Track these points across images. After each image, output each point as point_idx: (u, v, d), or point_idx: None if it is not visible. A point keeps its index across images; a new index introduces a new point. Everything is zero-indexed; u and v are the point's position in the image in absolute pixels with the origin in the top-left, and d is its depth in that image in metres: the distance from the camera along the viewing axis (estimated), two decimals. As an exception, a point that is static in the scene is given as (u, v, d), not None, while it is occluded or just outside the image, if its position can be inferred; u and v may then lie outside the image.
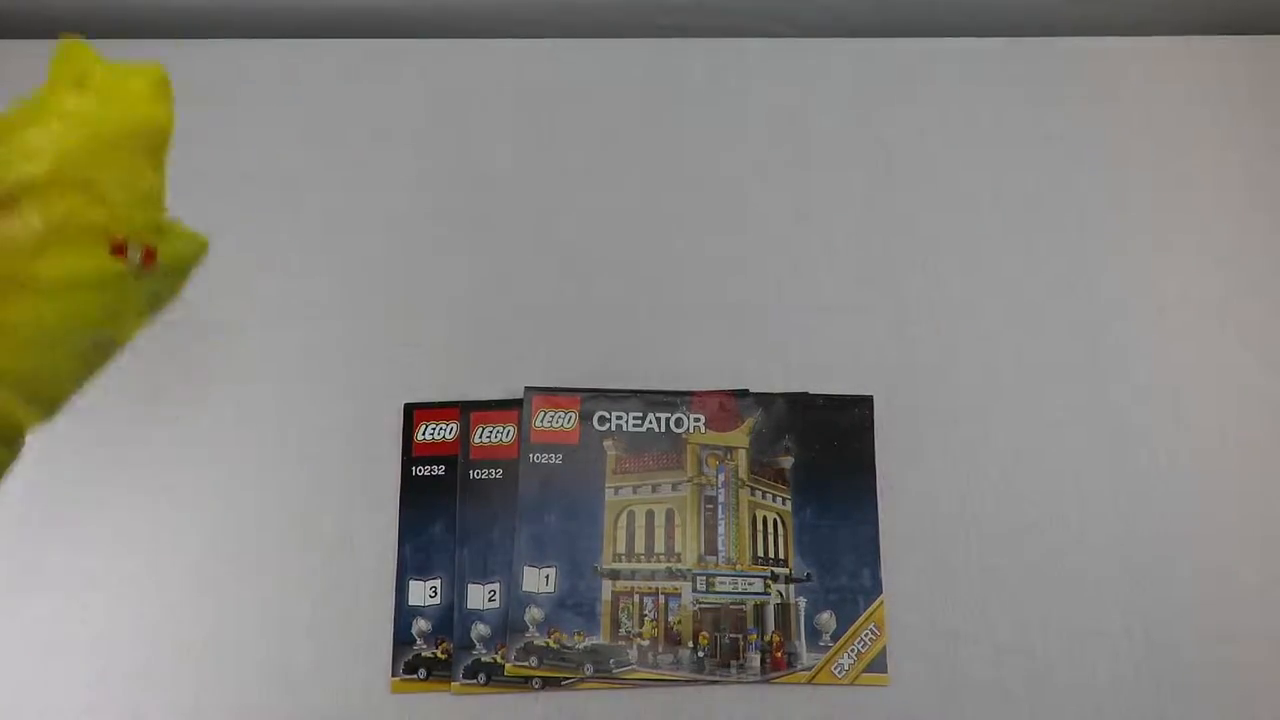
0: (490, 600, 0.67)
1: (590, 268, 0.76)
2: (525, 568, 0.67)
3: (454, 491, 0.69)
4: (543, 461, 0.69)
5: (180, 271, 0.53)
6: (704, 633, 0.66)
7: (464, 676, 0.65)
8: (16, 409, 0.41)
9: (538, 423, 0.70)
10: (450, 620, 0.66)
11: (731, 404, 0.71)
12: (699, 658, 0.66)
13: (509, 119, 0.80)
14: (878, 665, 0.65)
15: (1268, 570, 0.68)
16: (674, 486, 0.69)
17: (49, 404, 0.43)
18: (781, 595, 0.67)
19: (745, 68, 0.82)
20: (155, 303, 0.51)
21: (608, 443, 0.70)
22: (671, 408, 0.71)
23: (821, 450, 0.70)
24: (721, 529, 0.68)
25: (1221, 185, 0.79)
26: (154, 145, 0.47)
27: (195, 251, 0.53)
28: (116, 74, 0.45)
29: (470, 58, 0.82)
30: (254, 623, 0.66)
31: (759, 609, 0.67)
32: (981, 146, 0.80)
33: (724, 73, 0.81)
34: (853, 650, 0.66)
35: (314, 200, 0.78)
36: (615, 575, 0.67)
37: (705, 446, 0.70)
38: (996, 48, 0.83)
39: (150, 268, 0.47)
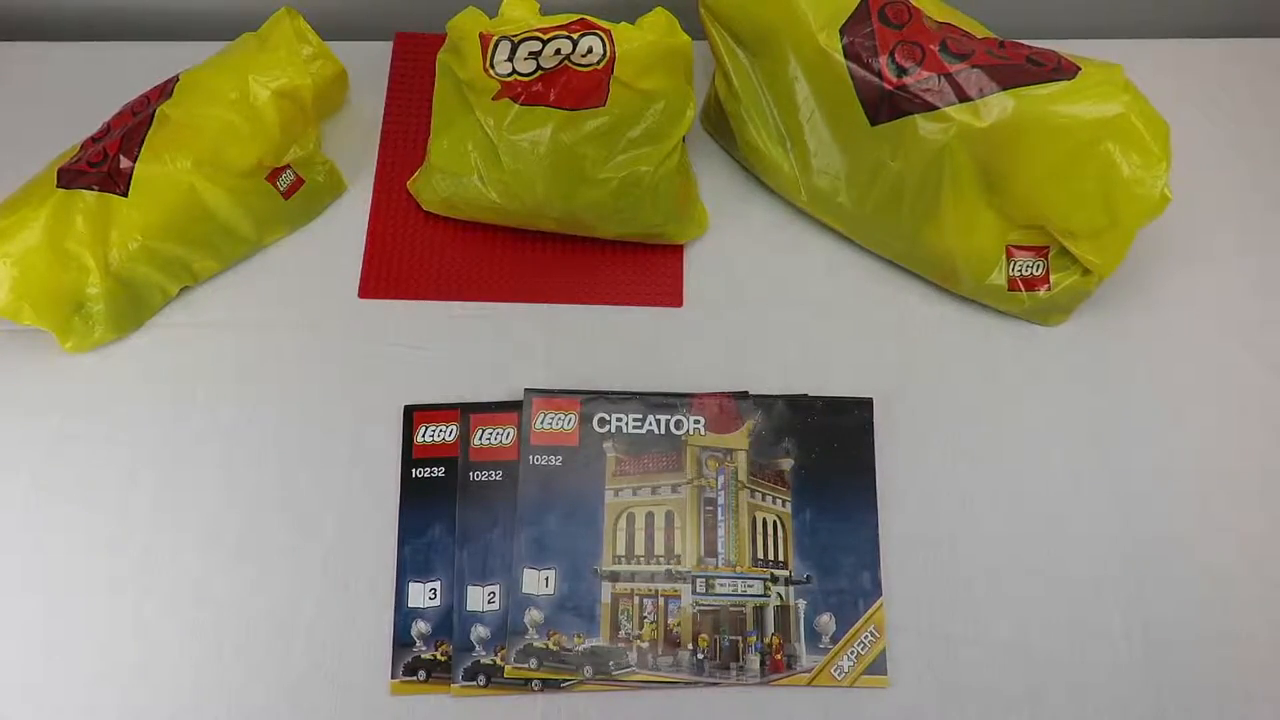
0: (490, 602, 0.67)
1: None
2: (525, 569, 0.67)
3: (454, 493, 0.69)
4: (543, 463, 0.69)
5: (318, 200, 0.76)
6: (703, 635, 0.66)
7: (463, 678, 0.65)
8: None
9: (538, 425, 0.70)
10: (450, 622, 0.66)
11: (731, 406, 0.71)
12: (698, 660, 0.66)
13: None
14: (877, 667, 0.65)
15: (1267, 570, 0.68)
16: (674, 488, 0.69)
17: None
18: (781, 597, 0.67)
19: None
20: (295, 220, 0.76)
21: (607, 445, 0.70)
22: (671, 410, 0.71)
23: (821, 452, 0.70)
24: (721, 531, 0.68)
25: (1221, 186, 0.79)
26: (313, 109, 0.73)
27: (334, 189, 0.77)
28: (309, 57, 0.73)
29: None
30: (254, 624, 0.66)
31: (758, 611, 0.67)
32: (981, 147, 0.80)
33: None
34: (852, 652, 0.66)
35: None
36: (615, 577, 0.67)
37: (705, 449, 0.70)
38: (996, 49, 0.83)
39: (293, 194, 0.74)
